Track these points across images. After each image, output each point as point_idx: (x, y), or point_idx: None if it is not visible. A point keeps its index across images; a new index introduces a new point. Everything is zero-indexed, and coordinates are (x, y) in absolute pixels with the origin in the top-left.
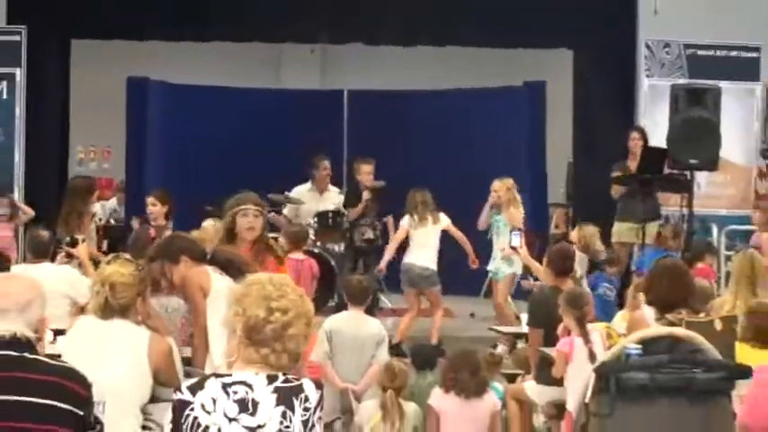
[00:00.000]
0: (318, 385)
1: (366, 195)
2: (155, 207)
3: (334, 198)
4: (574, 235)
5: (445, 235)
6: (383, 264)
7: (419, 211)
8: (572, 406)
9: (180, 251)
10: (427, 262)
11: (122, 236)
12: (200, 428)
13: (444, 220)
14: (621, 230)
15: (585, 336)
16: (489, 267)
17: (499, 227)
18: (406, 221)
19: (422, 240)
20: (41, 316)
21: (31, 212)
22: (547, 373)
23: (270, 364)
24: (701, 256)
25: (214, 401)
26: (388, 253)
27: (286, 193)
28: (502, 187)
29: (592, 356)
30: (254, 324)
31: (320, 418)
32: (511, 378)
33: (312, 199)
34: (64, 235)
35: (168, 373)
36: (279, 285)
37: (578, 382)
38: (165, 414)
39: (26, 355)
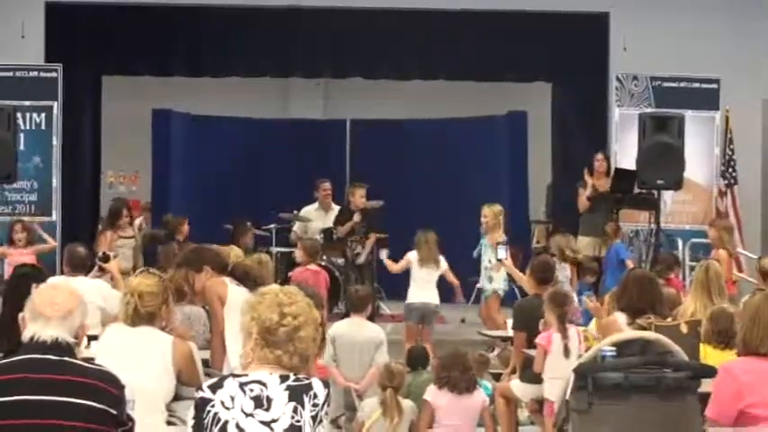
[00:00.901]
0: (326, 384)
1: (357, 217)
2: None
3: None
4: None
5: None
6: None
7: (424, 251)
8: (550, 394)
9: (203, 261)
10: (432, 298)
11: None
12: (220, 423)
13: (443, 265)
14: (583, 244)
15: (564, 332)
16: (478, 285)
17: (483, 248)
18: (413, 255)
19: (426, 278)
20: (82, 323)
21: (53, 243)
22: (530, 372)
23: (283, 364)
24: (669, 268)
25: (232, 398)
26: (392, 265)
27: (295, 211)
28: (489, 213)
29: (566, 351)
30: (269, 326)
31: (327, 413)
32: (498, 377)
33: (319, 217)
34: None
35: (190, 374)
36: (290, 294)
37: (555, 372)
38: (187, 411)
39: (65, 358)
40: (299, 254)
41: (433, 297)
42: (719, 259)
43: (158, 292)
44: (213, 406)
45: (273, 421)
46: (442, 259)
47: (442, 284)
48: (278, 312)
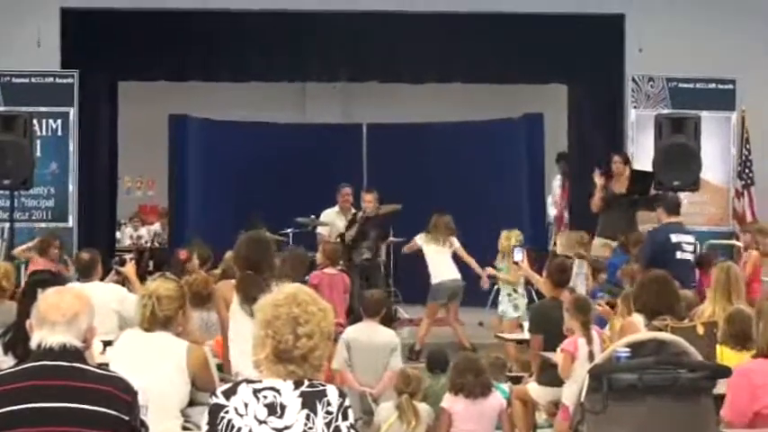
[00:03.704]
0: (341, 393)
1: (360, 219)
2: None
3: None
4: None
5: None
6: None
7: (433, 231)
8: (567, 399)
9: None
10: (457, 274)
11: (166, 257)
12: (234, 430)
13: (455, 244)
14: (597, 245)
15: (589, 337)
16: (499, 309)
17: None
18: (419, 237)
19: (439, 258)
20: (89, 326)
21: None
22: (547, 375)
23: (296, 375)
24: (709, 265)
25: (246, 405)
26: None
27: (312, 216)
28: (503, 239)
29: (591, 356)
30: (284, 348)
31: (352, 426)
32: (516, 380)
33: (338, 221)
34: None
35: (205, 380)
36: (305, 305)
37: (580, 378)
38: (202, 416)
39: (76, 365)
40: (318, 256)
41: (454, 273)
42: (751, 260)
43: (176, 296)
44: (227, 412)
45: (286, 428)
46: (453, 239)
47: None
48: (293, 333)
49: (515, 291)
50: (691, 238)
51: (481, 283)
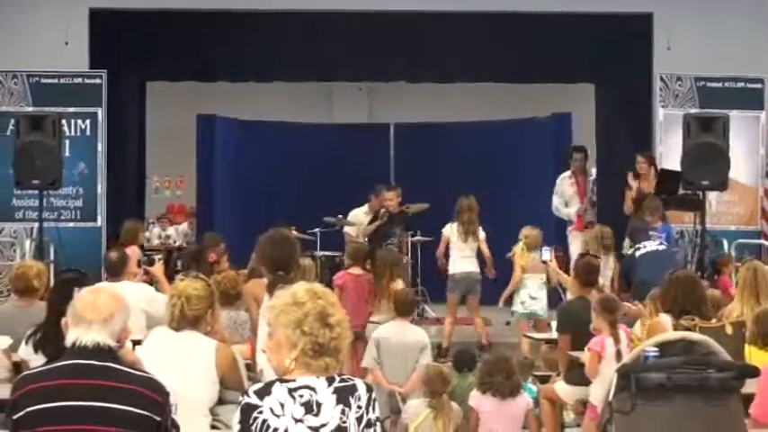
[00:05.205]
0: (369, 387)
1: (382, 216)
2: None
3: None
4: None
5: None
6: (443, 265)
7: (462, 221)
8: (595, 398)
9: None
10: (474, 267)
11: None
12: (270, 430)
13: (481, 235)
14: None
15: (616, 336)
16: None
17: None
18: (447, 229)
19: (464, 252)
20: (124, 326)
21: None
22: (575, 375)
23: (329, 369)
24: (720, 268)
25: (282, 405)
26: (440, 258)
27: (340, 216)
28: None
29: (618, 355)
30: (322, 342)
31: (378, 419)
32: (543, 379)
33: (366, 221)
34: None
35: (234, 378)
36: (325, 297)
37: (607, 377)
38: (231, 415)
39: (109, 364)
40: (345, 257)
41: (474, 266)
42: None
43: (205, 296)
44: (261, 412)
45: (323, 426)
46: (479, 233)
47: (486, 289)
48: (327, 326)
49: (531, 297)
50: (655, 234)
51: (488, 271)
